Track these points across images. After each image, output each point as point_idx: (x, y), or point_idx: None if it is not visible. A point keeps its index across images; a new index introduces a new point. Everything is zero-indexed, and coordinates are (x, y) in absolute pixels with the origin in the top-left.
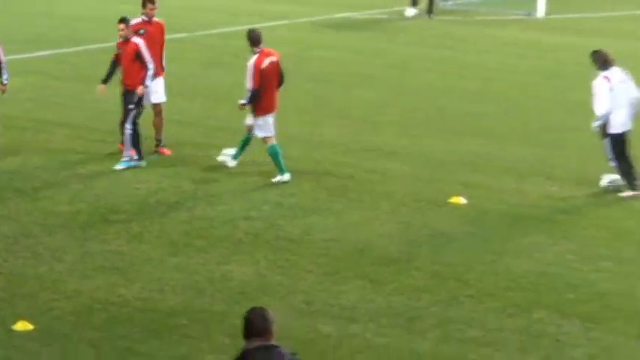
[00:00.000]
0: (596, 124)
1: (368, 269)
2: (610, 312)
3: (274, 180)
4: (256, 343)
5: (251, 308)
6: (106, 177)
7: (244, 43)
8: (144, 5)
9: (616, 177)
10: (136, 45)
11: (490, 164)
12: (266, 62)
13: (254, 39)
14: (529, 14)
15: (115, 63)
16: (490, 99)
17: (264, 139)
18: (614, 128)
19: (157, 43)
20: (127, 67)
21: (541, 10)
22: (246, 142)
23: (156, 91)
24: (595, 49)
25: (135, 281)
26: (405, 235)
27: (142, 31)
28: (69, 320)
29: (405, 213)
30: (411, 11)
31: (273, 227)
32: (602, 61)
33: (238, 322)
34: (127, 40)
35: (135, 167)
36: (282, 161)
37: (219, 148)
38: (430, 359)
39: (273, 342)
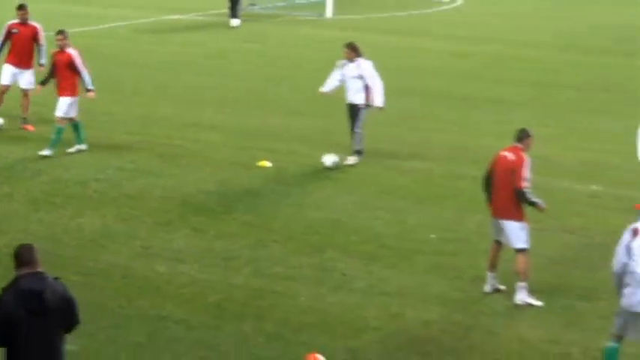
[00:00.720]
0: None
1: (193, 219)
2: (385, 250)
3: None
4: (25, 270)
5: (19, 244)
6: None
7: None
8: (18, 9)
9: (335, 158)
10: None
11: (289, 134)
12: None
13: None
14: (320, 15)
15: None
16: (290, 82)
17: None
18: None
19: (28, 42)
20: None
21: (329, 11)
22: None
23: (28, 80)
24: (349, 42)
25: (5, 233)
26: (223, 192)
27: (14, 31)
28: None
29: (222, 174)
30: (235, 21)
31: (116, 187)
32: (357, 51)
33: (89, 264)
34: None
35: None
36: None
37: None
38: (243, 290)
39: (40, 269)
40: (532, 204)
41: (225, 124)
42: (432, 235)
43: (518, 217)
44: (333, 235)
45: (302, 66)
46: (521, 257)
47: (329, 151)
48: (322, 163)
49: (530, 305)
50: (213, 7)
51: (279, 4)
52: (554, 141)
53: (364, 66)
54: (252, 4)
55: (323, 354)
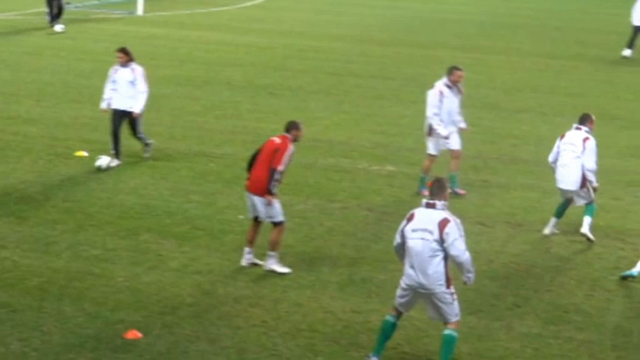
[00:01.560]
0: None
1: (14, 207)
2: (197, 232)
3: None
4: None
5: None
6: None
7: None
8: None
9: (107, 158)
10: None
11: (103, 124)
12: None
13: None
14: (131, 13)
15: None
16: (101, 75)
17: None
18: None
19: None
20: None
21: (140, 9)
22: None
23: None
24: (122, 47)
25: None
26: (43, 181)
27: None
28: None
29: (41, 164)
30: (58, 27)
31: None
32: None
33: None
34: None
35: None
36: None
37: None
38: (63, 273)
39: None
40: (274, 182)
41: (42, 117)
42: (240, 216)
43: (270, 193)
44: (148, 218)
45: (112, 60)
46: (276, 230)
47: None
48: (96, 166)
49: (280, 273)
50: (31, 6)
51: (94, 2)
52: (350, 126)
53: (138, 70)
54: (68, 3)
55: (140, 330)
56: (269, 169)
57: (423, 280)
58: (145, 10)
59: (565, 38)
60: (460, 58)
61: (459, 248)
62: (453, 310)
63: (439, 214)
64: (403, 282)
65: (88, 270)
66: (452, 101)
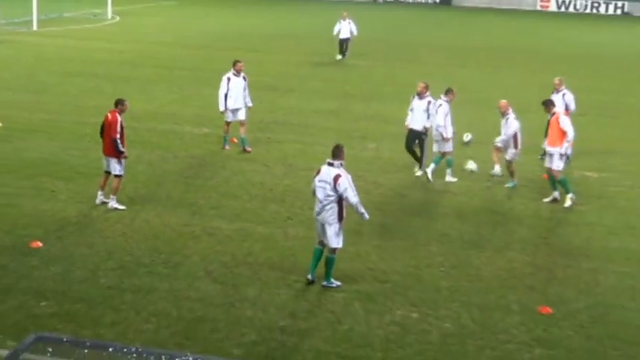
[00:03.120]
0: None
1: None
2: (77, 175)
3: None
4: None
5: None
6: None
7: None
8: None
9: None
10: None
11: None
12: None
13: None
14: (29, 29)
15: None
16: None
17: None
18: None
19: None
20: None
21: (35, 26)
22: None
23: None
24: None
25: None
26: None
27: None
28: None
29: None
30: None
31: None
32: None
33: None
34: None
35: None
36: None
37: None
38: None
39: None
40: (120, 150)
41: None
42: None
43: (118, 155)
44: (45, 167)
45: (11, 65)
46: (116, 180)
47: None
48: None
49: (119, 209)
50: None
51: (2, 22)
52: (178, 102)
53: None
54: None
55: (41, 241)
56: (111, 139)
57: (322, 214)
58: (39, 27)
59: (309, 44)
60: (247, 56)
61: (349, 195)
62: (338, 240)
63: (335, 170)
64: (314, 216)
65: (4, 202)
66: (238, 84)
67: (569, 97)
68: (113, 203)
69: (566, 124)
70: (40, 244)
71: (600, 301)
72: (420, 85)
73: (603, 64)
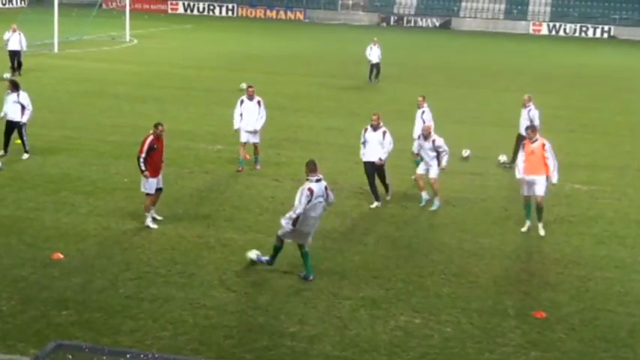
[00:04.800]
0: None
1: None
2: (97, 189)
3: None
4: None
5: None
6: None
7: None
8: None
9: None
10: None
11: None
12: None
13: None
14: (50, 50)
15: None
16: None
17: None
18: None
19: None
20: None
21: (56, 48)
22: None
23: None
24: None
25: None
26: None
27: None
28: None
29: None
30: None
31: None
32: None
33: None
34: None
35: None
36: None
37: None
38: (11, 219)
39: None
40: (141, 169)
41: None
42: (125, 179)
43: (142, 172)
44: (66, 182)
45: (33, 85)
46: (145, 198)
47: None
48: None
49: (150, 227)
50: None
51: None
52: (192, 121)
53: (24, 95)
54: None
55: (62, 253)
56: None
57: (317, 224)
58: (60, 49)
59: (317, 66)
60: (258, 77)
61: (332, 198)
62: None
63: (323, 183)
64: (300, 225)
65: (26, 216)
66: (251, 108)
67: (534, 113)
68: (146, 221)
69: (551, 156)
70: (61, 255)
71: (590, 306)
72: (374, 118)
73: (591, 84)
